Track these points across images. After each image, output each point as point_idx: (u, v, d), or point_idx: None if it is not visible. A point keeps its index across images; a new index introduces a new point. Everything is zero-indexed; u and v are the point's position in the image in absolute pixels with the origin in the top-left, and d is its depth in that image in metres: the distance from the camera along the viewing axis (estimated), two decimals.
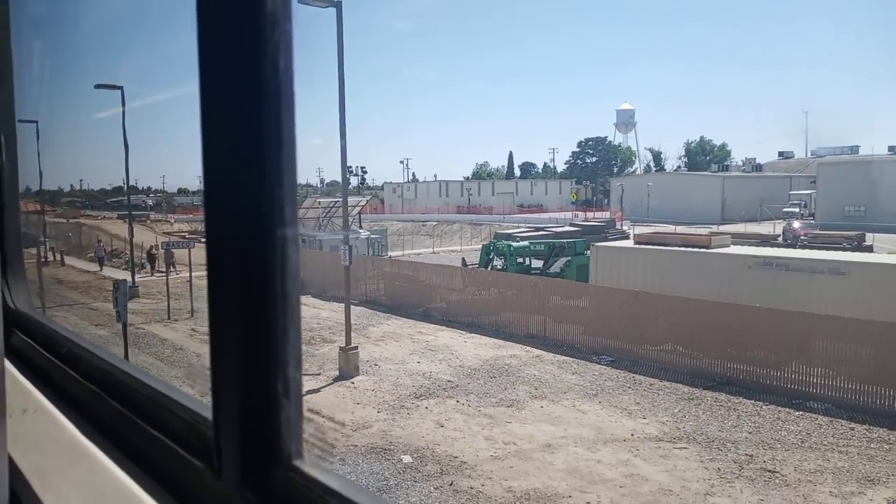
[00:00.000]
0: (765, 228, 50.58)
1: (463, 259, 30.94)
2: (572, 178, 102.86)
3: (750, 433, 13.29)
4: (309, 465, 0.84)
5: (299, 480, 0.83)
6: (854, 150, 78.06)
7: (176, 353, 18.83)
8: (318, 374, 16.82)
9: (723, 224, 59.84)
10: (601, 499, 10.48)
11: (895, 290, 16.88)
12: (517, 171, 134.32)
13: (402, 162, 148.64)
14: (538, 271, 26.20)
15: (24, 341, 1.90)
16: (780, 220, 57.01)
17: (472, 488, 10.91)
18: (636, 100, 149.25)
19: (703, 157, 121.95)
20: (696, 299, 18.20)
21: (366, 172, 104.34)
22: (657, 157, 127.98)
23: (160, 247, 31.70)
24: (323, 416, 14.09)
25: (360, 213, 38.92)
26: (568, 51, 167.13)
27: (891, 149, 73.64)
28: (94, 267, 36.53)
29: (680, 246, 21.97)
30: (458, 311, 23.74)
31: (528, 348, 19.89)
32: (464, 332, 21.87)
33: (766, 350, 16.31)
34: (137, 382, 1.28)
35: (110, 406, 1.33)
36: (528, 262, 27.15)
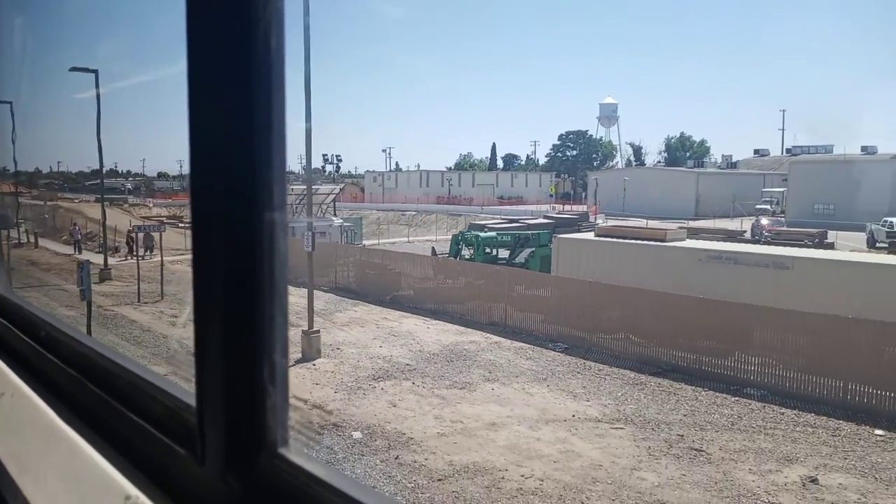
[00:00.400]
0: (736, 225, 51.70)
1: (433, 248, 31.64)
2: (552, 171, 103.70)
3: (685, 416, 14.13)
4: (294, 453, 0.83)
5: (284, 468, 0.82)
6: (828, 149, 79.55)
7: (143, 333, 19.34)
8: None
9: (696, 219, 60.97)
10: (534, 472, 11.23)
11: (834, 283, 17.74)
12: (500, 163, 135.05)
13: (384, 151, 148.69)
14: (504, 261, 26.93)
15: (1, 325, 1.88)
16: (752, 217, 58.31)
17: (415, 461, 11.61)
18: (620, 93, 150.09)
19: (683, 152, 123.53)
20: (649, 290, 18.98)
21: (341, 161, 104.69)
22: (637, 151, 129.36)
23: (142, 230, 32.03)
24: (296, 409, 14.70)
25: (334, 201, 39.41)
26: (553, 43, 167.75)
27: (863, 149, 75.14)
28: (68, 249, 36.72)
29: (637, 239, 22.80)
30: (425, 299, 24.41)
31: (488, 335, 20.61)
32: (428, 319, 22.55)
33: (712, 339, 17.15)
34: (118, 367, 1.26)
35: (90, 391, 1.31)
36: (495, 253, 27.88)
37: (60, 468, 1.25)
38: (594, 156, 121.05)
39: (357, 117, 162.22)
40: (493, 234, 28.51)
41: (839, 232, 43.00)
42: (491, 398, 14.91)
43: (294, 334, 19.11)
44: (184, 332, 19.60)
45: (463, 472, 11.19)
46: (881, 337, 14.72)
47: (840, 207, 56.90)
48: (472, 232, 28.62)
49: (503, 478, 11.02)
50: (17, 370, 1.65)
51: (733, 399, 15.25)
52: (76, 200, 69.89)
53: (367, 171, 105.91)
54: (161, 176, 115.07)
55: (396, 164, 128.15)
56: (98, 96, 27.11)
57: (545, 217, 48.81)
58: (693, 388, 15.98)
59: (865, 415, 14.10)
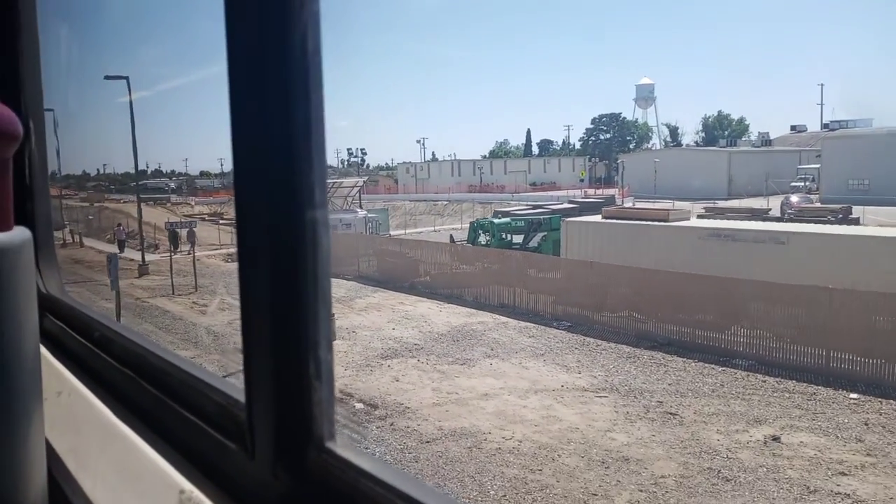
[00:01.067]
0: (771, 203, 51.46)
1: (451, 235, 32.80)
2: (586, 155, 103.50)
3: (669, 385, 15.03)
4: (341, 447, 0.85)
5: (332, 462, 0.84)
6: (867, 123, 77.60)
7: (174, 322, 20.99)
8: None
9: (728, 199, 60.72)
10: (515, 434, 12.34)
11: (828, 256, 18.30)
12: (535, 149, 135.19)
13: (418, 141, 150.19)
14: (518, 246, 27.93)
15: (57, 326, 1.93)
16: (786, 195, 57.83)
17: (408, 427, 12.83)
18: (657, 74, 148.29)
19: (721, 131, 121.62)
20: (651, 269, 19.82)
21: (365, 154, 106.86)
22: (674, 132, 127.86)
23: (172, 226, 33.96)
24: None
25: (358, 193, 40.84)
26: (590, 22, 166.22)
27: None
28: (111, 248, 38.98)
29: (640, 220, 23.54)
30: (441, 284, 25.59)
31: (497, 316, 21.70)
32: (442, 303, 23.74)
33: (709, 314, 17.94)
34: (170, 366, 1.30)
35: (143, 389, 1.35)
36: (509, 238, 28.88)
37: (117, 464, 1.29)
38: (630, 138, 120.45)
39: (392, 109, 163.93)
40: (507, 220, 29.54)
41: (875, 207, 42.60)
42: (488, 372, 16.04)
43: None
44: (211, 320, 21.26)
45: (450, 436, 12.37)
46: (868, 307, 15.33)
47: (875, 182, 56.07)
48: (488, 219, 29.64)
49: (485, 440, 12.16)
50: (73, 370, 1.69)
51: (720, 369, 16.07)
52: (122, 201, 73.05)
53: (400, 162, 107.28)
54: (203, 174, 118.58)
55: (433, 154, 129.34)
56: (131, 102, 29.02)
57: (570, 202, 49.55)
58: (684, 360, 16.83)
59: (846, 381, 14.80)
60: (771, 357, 16.29)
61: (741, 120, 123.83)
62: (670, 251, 21.42)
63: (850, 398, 13.91)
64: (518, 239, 28.93)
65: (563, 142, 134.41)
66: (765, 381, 15.12)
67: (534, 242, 27.97)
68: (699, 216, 41.07)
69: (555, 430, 12.55)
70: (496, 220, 29.09)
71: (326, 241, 0.84)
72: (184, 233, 33.67)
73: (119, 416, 1.37)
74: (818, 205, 40.59)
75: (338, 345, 18.52)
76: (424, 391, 14.80)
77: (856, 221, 36.97)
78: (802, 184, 62.98)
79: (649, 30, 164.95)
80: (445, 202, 77.29)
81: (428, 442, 12.12)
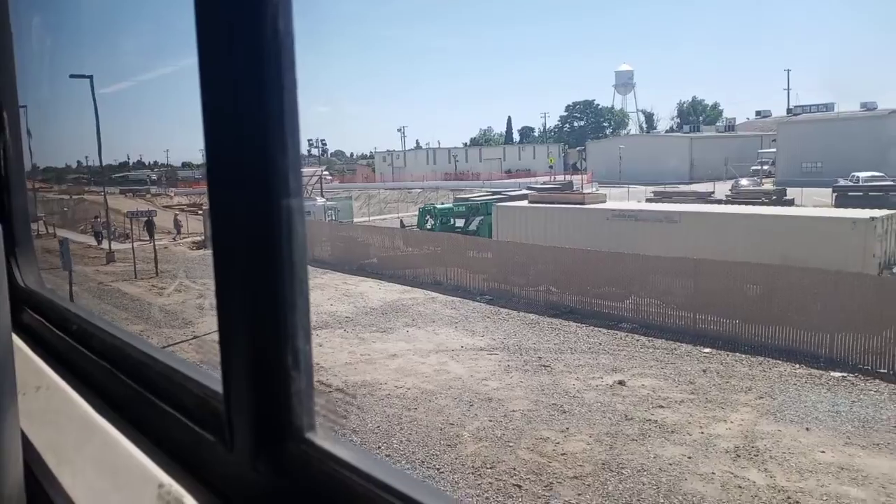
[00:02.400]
0: (722, 187, 53.96)
1: (401, 221, 35.12)
2: (560, 143, 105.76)
3: (555, 345, 17.43)
4: (321, 438, 0.85)
5: (312, 453, 0.84)
6: (829, 107, 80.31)
7: (132, 302, 23.24)
8: None
9: (690, 183, 63.23)
10: (406, 384, 14.71)
11: (713, 233, 20.73)
12: (516, 136, 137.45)
13: (399, 130, 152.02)
14: (460, 230, 30.30)
15: (35, 319, 1.92)
16: (755, 178, 60.46)
17: (318, 380, 15.16)
18: (638, 62, 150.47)
19: (696, 117, 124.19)
20: (567, 248, 22.19)
21: (325, 144, 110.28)
22: (649, 118, 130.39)
23: (132, 215, 36.12)
24: None
25: (319, 181, 43.01)
26: (571, 9, 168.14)
27: (863, 105, 75.90)
28: (82, 238, 41.05)
29: (561, 203, 25.92)
30: (386, 266, 27.91)
31: (429, 292, 24.04)
32: (383, 282, 26.05)
33: (614, 286, 20.33)
34: (148, 358, 1.29)
35: (122, 382, 1.34)
36: (453, 222, 31.24)
37: (96, 458, 1.28)
38: (606, 124, 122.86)
39: (377, 98, 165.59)
40: (449, 205, 31.94)
41: (826, 189, 45.03)
42: (402, 338, 18.39)
43: None
44: (166, 300, 23.52)
45: (352, 386, 14.73)
46: (729, 275, 17.73)
47: (827, 165, 58.66)
48: (431, 205, 31.97)
49: (380, 388, 14.53)
50: (52, 363, 1.68)
51: (605, 331, 18.49)
52: (101, 193, 74.68)
53: (376, 151, 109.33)
54: (185, 165, 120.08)
55: (417, 142, 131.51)
56: (94, 96, 31.02)
57: (528, 188, 51.93)
58: (578, 325, 19.24)
59: (707, 339, 17.21)
60: (651, 320, 18.71)
61: (715, 105, 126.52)
62: (584, 231, 23.80)
63: (703, 352, 16.36)
64: (461, 223, 31.30)
65: (544, 128, 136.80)
66: (638, 340, 17.56)
67: (473, 226, 30.34)
68: (647, 199, 43.77)
69: (441, 380, 14.92)
70: (439, 206, 31.49)
71: (302, 229, 0.83)
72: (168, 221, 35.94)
73: (97, 409, 1.36)
74: (753, 188, 43.07)
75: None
76: (341, 354, 17.12)
77: (790, 203, 39.56)
78: (761, 167, 65.64)
79: (631, 15, 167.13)
80: (420, 190, 79.43)
81: (331, 391, 14.48)
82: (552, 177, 78.42)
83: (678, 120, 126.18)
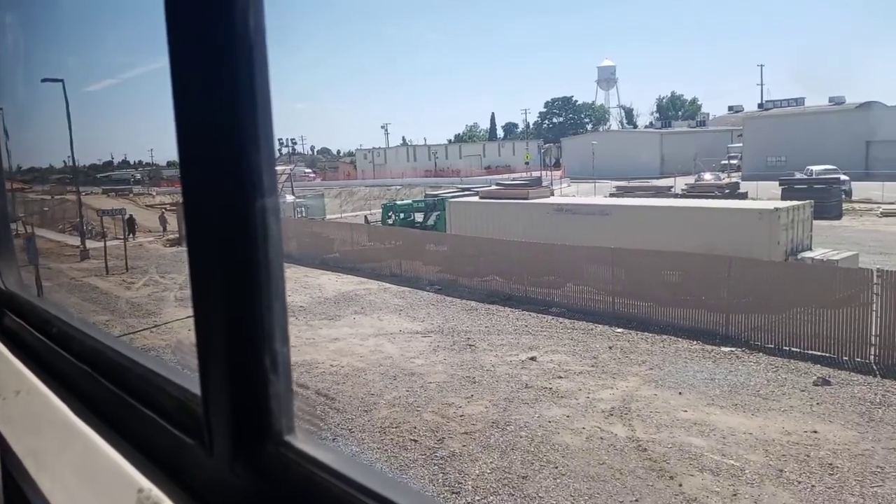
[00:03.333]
0: (683, 181, 55.81)
1: (365, 216, 36.80)
2: (539, 139, 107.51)
3: (485, 327, 19.14)
4: (300, 440, 0.85)
5: (291, 455, 0.84)
6: (800, 102, 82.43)
7: (101, 295, 24.81)
8: None
9: (661, 178, 65.09)
10: (341, 363, 16.39)
11: (641, 225, 22.47)
12: (500, 132, 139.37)
13: (382, 127, 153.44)
14: (419, 224, 31.99)
15: (15, 322, 1.91)
16: (717, 173, 62.42)
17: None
18: (620, 56, 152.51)
19: (675, 112, 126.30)
20: (512, 240, 23.86)
21: (295, 143, 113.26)
22: (629, 113, 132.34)
23: (103, 213, 37.62)
24: (191, 330, 19.97)
25: (288, 179, 44.65)
26: (555, 5, 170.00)
27: (831, 100, 78.01)
28: (60, 237, 42.47)
29: (508, 199, 27.65)
30: (347, 259, 29.56)
31: (384, 284, 25.72)
32: (342, 275, 27.71)
33: (550, 274, 22.05)
34: (128, 361, 1.30)
35: (102, 386, 1.34)
36: (413, 218, 32.93)
37: (76, 463, 1.28)
38: (587, 120, 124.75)
39: (362, 95, 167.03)
40: (409, 202, 33.60)
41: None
42: (347, 324, 20.06)
43: None
44: (133, 294, 25.10)
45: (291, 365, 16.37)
46: (651, 262, 19.45)
47: (791, 159, 60.61)
48: (392, 201, 33.63)
49: (316, 367, 16.19)
50: (32, 367, 1.68)
51: (535, 315, 20.21)
52: (85, 193, 75.81)
53: (357, 148, 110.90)
54: (171, 164, 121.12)
55: (403, 139, 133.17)
56: (66, 99, 32.43)
57: (496, 184, 53.65)
58: (512, 310, 20.96)
59: (624, 321, 18.94)
60: (577, 305, 20.44)
61: (694, 100, 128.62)
62: (527, 224, 25.50)
63: (616, 332, 18.11)
64: (421, 217, 33.00)
65: (525, 125, 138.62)
66: (561, 323, 19.30)
67: (431, 221, 32.01)
68: (610, 194, 45.56)
69: (374, 359, 16.61)
70: (399, 202, 33.16)
71: (277, 229, 0.82)
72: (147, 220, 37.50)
73: (77, 413, 1.36)
74: (709, 182, 45.00)
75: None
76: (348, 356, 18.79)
77: (744, 196, 41.42)
78: (729, 162, 67.63)
79: (614, 10, 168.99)
80: (399, 187, 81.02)
81: None
82: (528, 172, 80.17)
83: (657, 115, 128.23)
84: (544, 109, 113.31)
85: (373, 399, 13.90)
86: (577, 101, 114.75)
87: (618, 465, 10.49)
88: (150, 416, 1.15)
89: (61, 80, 31.98)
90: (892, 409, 12.25)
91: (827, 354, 15.23)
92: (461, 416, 12.72)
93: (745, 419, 12.03)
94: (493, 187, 49.88)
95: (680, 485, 9.78)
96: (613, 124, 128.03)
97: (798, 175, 46.81)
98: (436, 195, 37.24)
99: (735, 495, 9.43)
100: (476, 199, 29.55)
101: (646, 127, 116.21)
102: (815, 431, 11.38)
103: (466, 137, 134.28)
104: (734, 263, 17.39)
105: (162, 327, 20.01)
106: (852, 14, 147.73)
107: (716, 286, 17.76)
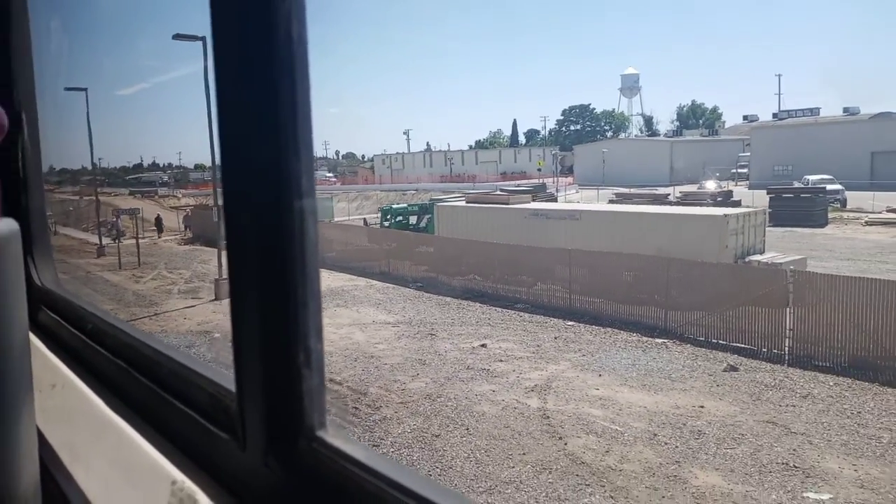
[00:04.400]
0: (689, 189, 57.03)
1: (364, 219, 38.93)
2: (557, 146, 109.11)
3: (452, 320, 21.05)
4: (332, 436, 0.86)
5: (323, 451, 0.85)
6: (815, 112, 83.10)
7: (111, 287, 27.23)
8: (202, 298, 25.01)
9: (670, 185, 66.44)
10: None
11: (606, 229, 24.22)
12: (522, 138, 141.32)
13: (404, 133, 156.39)
14: (413, 227, 34.04)
15: (51, 318, 1.97)
16: (727, 181, 63.74)
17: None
18: (643, 64, 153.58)
19: (695, 120, 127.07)
20: (491, 242, 25.76)
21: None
22: (649, 121, 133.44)
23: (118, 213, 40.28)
24: (186, 318, 22.24)
25: None
26: (583, 12, 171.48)
27: (845, 110, 78.61)
28: (83, 235, 45.32)
29: (491, 203, 29.54)
30: (343, 259, 31.64)
31: (372, 281, 27.76)
32: (335, 273, 29.76)
33: (525, 274, 23.90)
34: (162, 357, 1.32)
35: (136, 381, 1.37)
36: (406, 220, 35.00)
37: (110, 456, 1.31)
38: (607, 128, 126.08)
39: (385, 100, 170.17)
40: (404, 205, 35.69)
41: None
42: (327, 315, 22.07)
43: (206, 282, 26.75)
44: (141, 287, 27.47)
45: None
46: (607, 262, 21.21)
47: (797, 168, 61.72)
48: (389, 204, 35.73)
49: None
50: (68, 362, 1.73)
51: (500, 310, 22.07)
52: (112, 194, 79.48)
53: (376, 154, 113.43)
54: (198, 167, 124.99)
55: (427, 144, 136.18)
56: (88, 107, 35.09)
57: (501, 190, 55.56)
58: (482, 305, 22.84)
59: (577, 315, 20.72)
60: (540, 302, 22.23)
61: (714, 109, 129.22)
62: (507, 228, 27.37)
63: (567, 325, 19.90)
64: (415, 220, 35.06)
65: (545, 132, 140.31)
66: (521, 316, 21.14)
67: (423, 223, 34.03)
68: (610, 201, 47.22)
69: (342, 344, 18.61)
70: (395, 206, 35.23)
71: (314, 230, 0.85)
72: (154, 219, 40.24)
73: (112, 407, 1.39)
74: (701, 190, 46.39)
75: (227, 301, 24.71)
76: None
77: (737, 204, 42.76)
78: (738, 171, 68.74)
79: (640, 18, 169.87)
80: (414, 191, 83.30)
81: None
82: (541, 179, 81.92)
83: (678, 123, 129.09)
84: (561, 117, 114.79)
85: (329, 376, 15.88)
86: (594, 108, 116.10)
87: (520, 428, 12.35)
88: (183, 410, 1.18)
89: (84, 90, 34.75)
90: (779, 391, 13.93)
91: (748, 346, 16.89)
92: (403, 390, 14.66)
93: (646, 396, 13.80)
94: (498, 192, 51.92)
95: (565, 444, 11.61)
96: (634, 132, 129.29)
97: (797, 184, 48.00)
98: (439, 199, 39.29)
99: (607, 452, 11.24)
100: (462, 203, 31.48)
101: (665, 135, 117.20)
102: (702, 406, 13.12)
103: (488, 143, 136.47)
104: (673, 264, 19.10)
105: (162, 315, 22.27)
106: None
107: (660, 285, 19.45)
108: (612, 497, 9.75)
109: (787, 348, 16.29)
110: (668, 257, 19.28)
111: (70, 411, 1.56)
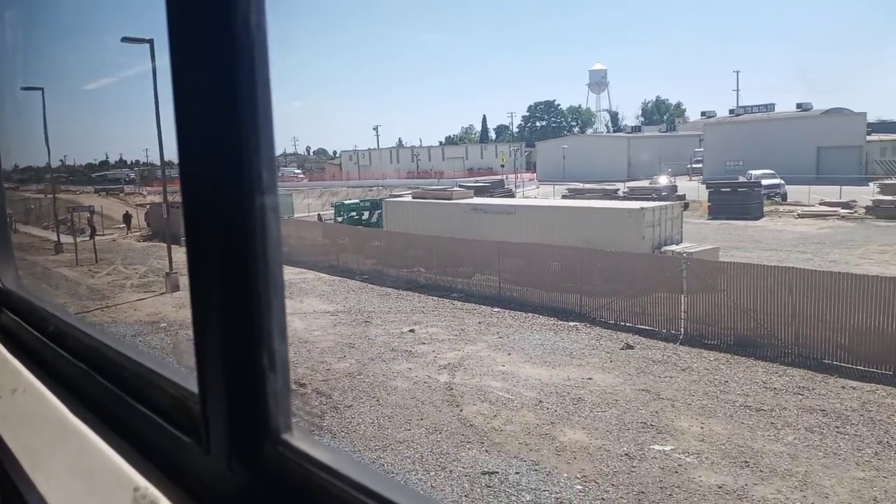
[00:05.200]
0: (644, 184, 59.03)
1: (318, 215, 40.31)
2: (523, 142, 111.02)
3: (389, 308, 22.59)
4: (298, 439, 0.86)
5: (288, 454, 0.85)
6: (770, 108, 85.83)
7: (66, 282, 28.34)
8: (154, 292, 26.26)
9: (628, 181, 68.57)
10: None
11: (538, 223, 25.91)
12: (493, 134, 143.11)
13: (374, 129, 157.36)
14: (364, 222, 35.53)
15: (12, 320, 1.94)
16: (682, 176, 65.98)
17: (188, 335, 20.27)
18: (611, 56, 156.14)
19: (659, 116, 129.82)
20: (435, 236, 27.30)
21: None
22: (614, 117, 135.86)
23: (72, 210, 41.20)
24: (136, 310, 23.50)
25: None
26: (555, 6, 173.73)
27: (798, 105, 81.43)
28: (42, 233, 46.08)
29: (434, 199, 31.14)
30: (296, 253, 32.95)
31: (320, 274, 29.17)
32: (286, 267, 30.87)
33: (465, 266, 25.49)
34: (124, 359, 1.31)
35: (98, 383, 1.36)
36: (360, 216, 36.48)
37: (72, 462, 1.29)
38: (574, 123, 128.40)
39: (354, 94, 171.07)
40: (355, 201, 37.17)
41: None
42: None
43: (160, 277, 27.96)
44: (96, 281, 28.60)
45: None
46: (542, 254, 22.85)
47: (748, 163, 64.01)
48: (340, 200, 37.19)
49: None
50: (29, 365, 1.70)
51: (437, 299, 23.64)
52: (77, 192, 79.66)
53: (343, 150, 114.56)
54: (167, 164, 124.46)
55: (399, 139, 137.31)
56: (44, 107, 35.88)
57: (459, 186, 57.21)
58: (420, 295, 24.39)
59: (506, 302, 22.35)
60: (474, 291, 23.84)
61: (678, 105, 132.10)
62: (449, 222, 28.95)
63: (494, 311, 21.54)
64: (367, 215, 36.56)
65: (512, 127, 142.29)
66: (454, 304, 22.74)
67: (374, 218, 35.55)
68: (563, 196, 49.08)
69: None
70: (346, 202, 36.69)
71: (276, 227, 0.84)
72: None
73: (74, 411, 1.37)
74: (650, 185, 48.48)
75: (178, 294, 25.98)
76: None
77: (681, 198, 44.84)
78: (693, 166, 71.11)
79: (611, 13, 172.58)
80: (379, 187, 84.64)
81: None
82: (505, 175, 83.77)
83: (642, 118, 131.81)
84: (527, 113, 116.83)
85: None
86: (559, 104, 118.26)
87: (425, 399, 13.94)
88: (146, 414, 1.15)
89: (41, 89, 35.55)
90: (664, 366, 15.68)
91: (649, 328, 18.66)
92: (328, 370, 16.18)
93: (545, 371, 15.48)
94: (456, 188, 53.53)
95: (461, 410, 13.22)
96: (600, 128, 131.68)
97: (741, 179, 50.26)
98: (398, 196, 40.80)
99: (494, 416, 12.87)
100: (408, 199, 33.03)
101: (624, 130, 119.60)
102: (590, 378, 14.82)
103: (458, 139, 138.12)
104: (592, 254, 20.84)
105: (112, 308, 23.51)
106: (854, 16, 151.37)
107: (580, 273, 21.17)
108: (486, 451, 11.37)
109: (682, 329, 18.08)
110: (587, 248, 21.00)
111: (31, 416, 1.53)
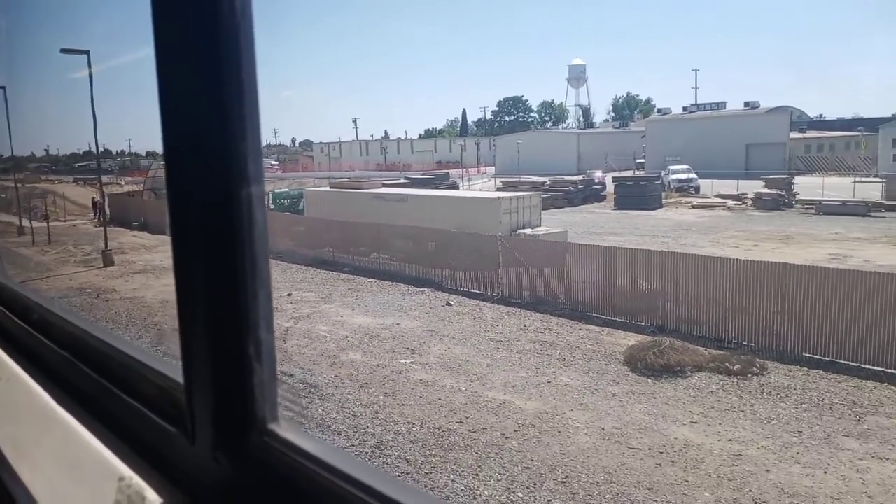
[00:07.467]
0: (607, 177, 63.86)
1: (270, 204, 45.14)
2: (491, 136, 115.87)
3: (283, 280, 27.23)
4: (284, 429, 0.87)
5: (274, 444, 0.86)
6: (721, 106, 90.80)
7: (19, 258, 33.05)
8: (92, 267, 31.00)
9: (577, 174, 73.47)
10: (146, 296, 24.57)
11: (425, 209, 30.69)
12: (473, 128, 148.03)
13: (353, 121, 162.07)
14: (293, 210, 40.35)
15: None
16: (629, 170, 70.78)
17: (129, 306, 24.99)
18: (592, 51, 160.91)
19: (630, 111, 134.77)
20: (344, 221, 32.02)
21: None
22: (586, 112, 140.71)
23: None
24: (71, 280, 28.23)
25: None
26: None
27: (746, 104, 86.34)
28: (8, 218, 50.70)
29: (347, 189, 35.93)
30: None
31: None
32: None
33: (366, 246, 30.26)
34: (110, 348, 1.32)
35: (84, 373, 1.37)
36: (293, 203, 41.28)
37: (57, 452, 1.30)
38: (547, 118, 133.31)
39: (340, 86, 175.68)
40: (286, 189, 41.99)
41: None
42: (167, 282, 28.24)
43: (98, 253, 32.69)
44: (45, 258, 33.32)
45: (157, 309, 24.60)
46: (423, 236, 27.57)
47: (685, 158, 69.01)
48: (275, 190, 42.03)
49: (142, 310, 24.39)
50: (14, 355, 1.71)
51: (329, 272, 28.32)
52: (56, 182, 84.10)
53: (314, 142, 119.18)
54: (150, 155, 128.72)
55: (385, 132, 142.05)
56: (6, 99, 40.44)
57: (405, 178, 62.05)
58: (316, 269, 29.10)
59: (381, 275, 27.08)
60: (362, 266, 28.62)
61: (648, 100, 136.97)
62: (357, 209, 33.71)
63: (366, 280, 26.30)
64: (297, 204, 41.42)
65: (485, 122, 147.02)
66: (339, 276, 27.48)
67: (301, 205, 40.37)
68: (497, 188, 53.92)
69: (166, 299, 24.78)
70: (278, 191, 41.52)
71: (262, 217, 0.84)
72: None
73: (59, 401, 1.38)
74: (567, 178, 53.33)
75: (112, 269, 30.75)
76: (153, 290, 26.96)
77: (600, 190, 49.70)
78: (638, 160, 76.06)
79: (592, 8, 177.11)
80: (346, 179, 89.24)
81: (147, 313, 24.36)
82: (465, 168, 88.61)
83: (613, 114, 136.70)
84: (497, 108, 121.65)
85: (144, 319, 22.13)
86: (527, 100, 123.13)
87: None
88: (131, 404, 1.15)
89: (2, 88, 40.12)
90: (462, 316, 20.44)
91: (478, 292, 23.46)
92: None
93: (369, 319, 20.27)
94: (403, 180, 58.26)
95: (284, 343, 18.00)
96: (573, 123, 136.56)
97: (663, 173, 55.17)
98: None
99: (306, 346, 17.65)
100: (326, 188, 37.82)
101: (602, 124, 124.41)
102: (398, 324, 19.60)
103: (438, 133, 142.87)
104: (451, 235, 25.64)
105: (51, 278, 28.26)
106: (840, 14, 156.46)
107: (446, 251, 25.97)
108: (287, 364, 16.15)
109: (500, 292, 22.89)
110: (456, 231, 25.70)
111: (15, 406, 1.55)
